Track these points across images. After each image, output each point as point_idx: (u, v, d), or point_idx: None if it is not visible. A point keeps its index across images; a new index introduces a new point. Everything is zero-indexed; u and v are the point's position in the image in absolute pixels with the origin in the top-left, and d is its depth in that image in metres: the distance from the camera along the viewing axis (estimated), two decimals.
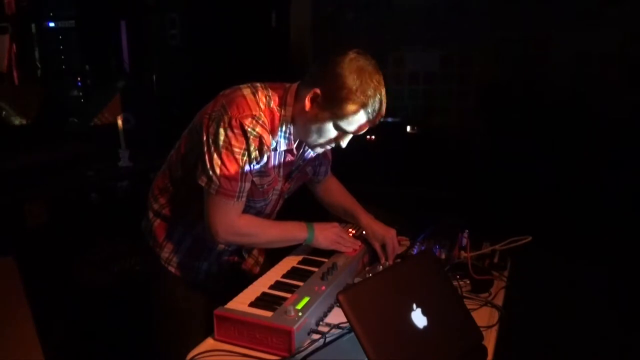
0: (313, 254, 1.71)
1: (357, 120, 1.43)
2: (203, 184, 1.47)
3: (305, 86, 1.47)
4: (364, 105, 1.40)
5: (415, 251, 1.80)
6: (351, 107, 1.40)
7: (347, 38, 3.89)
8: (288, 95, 1.50)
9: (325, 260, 1.66)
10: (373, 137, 3.84)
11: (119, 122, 3.15)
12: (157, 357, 1.70)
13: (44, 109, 3.32)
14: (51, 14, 3.62)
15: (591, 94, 3.39)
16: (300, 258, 1.70)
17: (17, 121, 3.22)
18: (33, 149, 3.05)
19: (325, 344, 1.29)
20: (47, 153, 3.08)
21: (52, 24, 3.63)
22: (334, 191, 1.90)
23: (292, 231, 1.63)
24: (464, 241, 1.69)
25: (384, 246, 1.74)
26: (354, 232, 1.86)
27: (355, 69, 1.38)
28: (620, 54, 3.28)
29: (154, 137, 3.41)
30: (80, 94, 3.69)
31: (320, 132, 1.47)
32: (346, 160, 1.95)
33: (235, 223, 1.50)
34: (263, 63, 3.68)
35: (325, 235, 1.66)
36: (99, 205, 2.96)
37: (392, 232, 1.74)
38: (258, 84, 1.52)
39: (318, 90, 1.42)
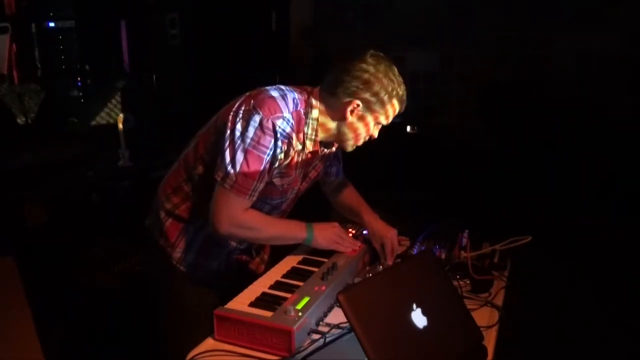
0: (313, 254, 1.71)
1: (395, 113, 1.61)
2: (218, 179, 1.48)
3: (332, 94, 1.53)
4: (400, 99, 1.57)
5: (415, 251, 1.80)
6: (394, 105, 1.57)
7: (347, 38, 3.89)
8: (312, 98, 1.56)
9: (325, 260, 1.66)
10: None
11: (119, 122, 3.14)
12: (159, 357, 1.69)
13: (44, 109, 3.32)
14: (51, 14, 3.62)
15: (592, 94, 3.39)
16: (300, 258, 1.70)
17: (17, 121, 3.22)
18: (33, 149, 3.05)
19: (325, 344, 1.29)
20: (47, 153, 3.08)
21: (52, 24, 3.63)
22: (343, 190, 1.93)
23: (293, 230, 1.64)
24: (464, 241, 1.69)
25: (384, 246, 1.74)
26: (353, 232, 1.86)
27: (383, 72, 1.52)
28: (622, 55, 3.28)
29: (154, 137, 3.41)
30: (80, 94, 3.69)
31: (360, 134, 1.59)
32: (346, 161, 1.95)
33: (239, 215, 1.51)
34: (263, 63, 3.68)
35: (324, 235, 1.66)
36: (99, 205, 2.95)
37: (391, 232, 1.74)
38: (283, 87, 1.56)
39: (357, 102, 1.53)
